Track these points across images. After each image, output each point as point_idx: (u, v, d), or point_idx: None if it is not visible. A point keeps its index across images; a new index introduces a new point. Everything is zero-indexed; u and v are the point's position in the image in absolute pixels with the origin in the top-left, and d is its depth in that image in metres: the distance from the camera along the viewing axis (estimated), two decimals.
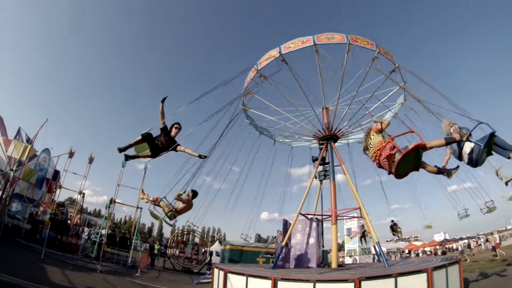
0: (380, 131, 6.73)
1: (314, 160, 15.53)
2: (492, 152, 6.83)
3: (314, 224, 14.16)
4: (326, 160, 15.15)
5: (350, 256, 37.29)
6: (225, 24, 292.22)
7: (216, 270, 11.83)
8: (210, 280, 12.88)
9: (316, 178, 15.05)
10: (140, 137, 7.41)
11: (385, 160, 6.38)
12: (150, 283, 14.27)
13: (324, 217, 15.12)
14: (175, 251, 25.08)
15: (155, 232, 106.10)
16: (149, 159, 7.87)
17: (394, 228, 19.02)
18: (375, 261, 26.78)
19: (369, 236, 18.45)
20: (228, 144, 16.13)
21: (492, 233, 44.95)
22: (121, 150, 7.27)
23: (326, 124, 15.77)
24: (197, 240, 28.71)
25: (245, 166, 18.90)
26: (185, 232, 29.39)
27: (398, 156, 6.12)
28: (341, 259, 34.98)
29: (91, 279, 12.58)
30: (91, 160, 24.70)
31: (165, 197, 9.90)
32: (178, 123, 7.89)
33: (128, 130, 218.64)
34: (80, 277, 12.25)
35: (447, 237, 60.94)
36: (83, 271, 14.07)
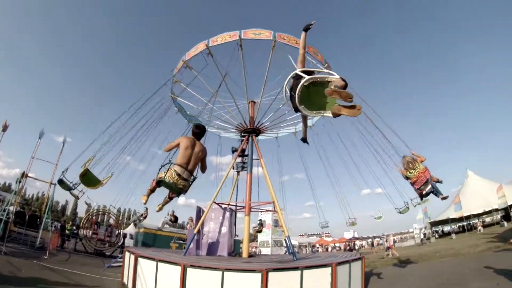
0: (422, 161, 10.65)
1: (234, 151, 15.75)
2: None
3: (228, 214, 14.52)
4: (246, 153, 15.52)
5: (256, 248, 38.14)
6: None
7: (127, 254, 11.69)
8: (121, 264, 12.66)
9: (233, 168, 15.37)
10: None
11: (423, 180, 10.16)
12: (58, 267, 13.52)
13: (238, 207, 15.53)
14: (88, 232, 24.08)
15: (69, 211, 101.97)
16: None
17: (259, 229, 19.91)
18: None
19: (281, 230, 19.09)
20: (155, 128, 15.83)
21: (388, 235, 51.32)
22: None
23: (250, 117, 16.17)
24: (112, 221, 27.96)
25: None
26: (100, 212, 28.52)
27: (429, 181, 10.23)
28: (253, 250, 35.80)
29: None
30: (5, 128, 22.99)
31: (162, 166, 6.45)
32: None
33: (50, 97, 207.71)
34: None
35: (356, 235, 65.65)
36: None
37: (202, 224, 13.66)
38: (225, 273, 7.83)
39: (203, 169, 7.07)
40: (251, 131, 15.96)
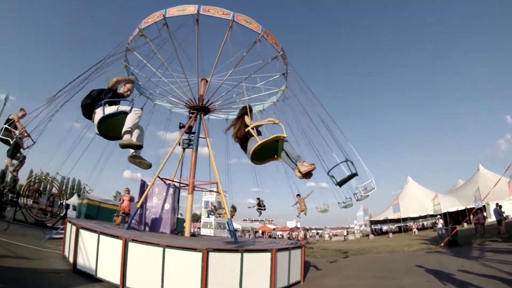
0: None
1: (181, 127, 15.77)
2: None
3: (171, 190, 14.72)
4: (193, 130, 15.64)
5: (199, 228, 38.24)
6: None
7: (68, 225, 11.34)
8: (62, 235, 12.33)
9: (179, 145, 15.48)
10: None
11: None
12: None
13: (182, 185, 15.80)
14: (28, 201, 22.84)
15: (9, 177, 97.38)
16: None
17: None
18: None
19: (224, 213, 19.21)
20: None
21: (298, 229, 60.22)
22: None
23: (199, 94, 16.17)
24: (54, 190, 26.65)
25: None
26: (43, 180, 27.04)
27: None
28: (196, 230, 35.94)
29: None
30: None
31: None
32: None
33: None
34: None
35: (298, 225, 68.41)
36: None
37: (146, 199, 13.72)
38: (166, 249, 7.98)
39: None
40: (200, 108, 16.05)
